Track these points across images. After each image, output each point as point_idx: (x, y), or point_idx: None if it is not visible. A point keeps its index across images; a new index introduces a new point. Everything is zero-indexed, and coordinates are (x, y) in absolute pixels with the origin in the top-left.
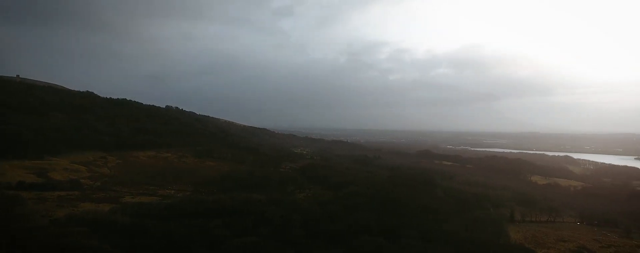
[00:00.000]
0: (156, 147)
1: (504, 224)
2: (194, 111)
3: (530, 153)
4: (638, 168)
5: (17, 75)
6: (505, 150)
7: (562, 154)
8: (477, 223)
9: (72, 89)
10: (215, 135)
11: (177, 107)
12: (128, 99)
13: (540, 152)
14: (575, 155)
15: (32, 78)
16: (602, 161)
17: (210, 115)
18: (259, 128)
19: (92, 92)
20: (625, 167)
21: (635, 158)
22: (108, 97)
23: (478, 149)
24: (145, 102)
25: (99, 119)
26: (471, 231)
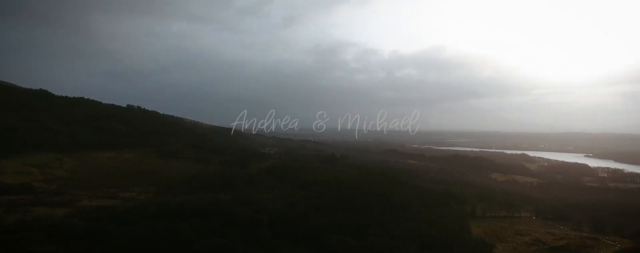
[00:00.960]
0: (116, 148)
1: (466, 220)
2: (157, 110)
3: (490, 152)
4: (587, 165)
5: None
6: (468, 149)
7: (519, 152)
8: (441, 219)
9: (24, 87)
10: (180, 136)
11: (139, 106)
12: (86, 97)
13: (500, 150)
14: (531, 153)
15: None
16: (555, 158)
17: (175, 115)
18: (225, 128)
19: (47, 90)
20: (576, 163)
21: (585, 156)
22: (64, 95)
23: (442, 148)
24: (104, 100)
25: (53, 119)
26: (436, 227)
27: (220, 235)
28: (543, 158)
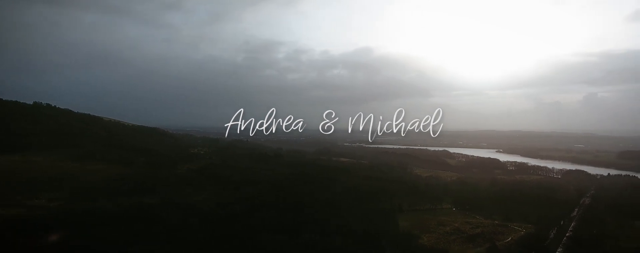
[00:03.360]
0: (22, 150)
1: (395, 213)
2: (70, 108)
3: (415, 149)
4: (498, 160)
5: None
6: (395, 146)
7: (441, 149)
8: (371, 214)
9: None
10: (99, 136)
11: (49, 104)
12: None
13: (424, 147)
14: (451, 150)
15: None
16: (471, 154)
17: (92, 113)
18: (150, 127)
19: None
20: (489, 158)
21: (496, 151)
22: None
23: (371, 146)
24: (5, 97)
25: None
26: (366, 222)
27: (146, 240)
28: (461, 154)
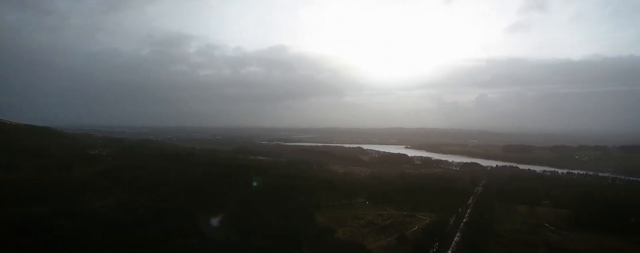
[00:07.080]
0: None
1: (312, 210)
2: None
3: (331, 146)
4: (406, 155)
5: None
6: (312, 144)
7: (355, 146)
8: (289, 212)
9: None
10: None
11: None
12: None
13: (340, 145)
14: (365, 146)
15: None
16: (383, 150)
17: None
18: (39, 126)
19: None
20: (398, 154)
21: (404, 147)
22: None
23: (289, 144)
24: None
25: None
26: (284, 220)
27: None
28: (374, 150)
